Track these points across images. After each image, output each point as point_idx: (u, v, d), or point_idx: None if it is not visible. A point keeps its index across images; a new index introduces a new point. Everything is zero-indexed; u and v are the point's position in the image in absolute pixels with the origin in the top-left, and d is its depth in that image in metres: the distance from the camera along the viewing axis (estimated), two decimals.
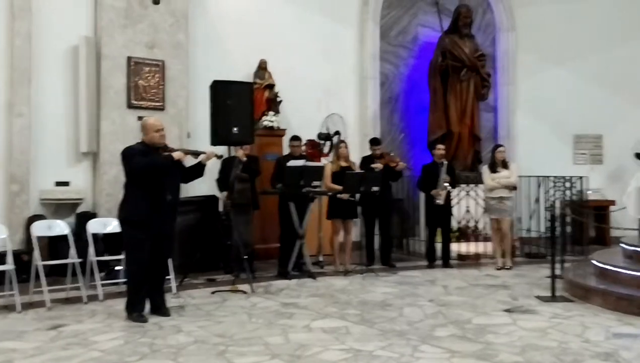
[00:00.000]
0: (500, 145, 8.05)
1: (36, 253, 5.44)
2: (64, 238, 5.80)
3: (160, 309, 5.04)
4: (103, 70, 7.33)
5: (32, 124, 7.11)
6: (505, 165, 7.67)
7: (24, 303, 5.23)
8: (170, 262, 5.90)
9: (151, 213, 4.83)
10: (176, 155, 4.91)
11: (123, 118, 7.42)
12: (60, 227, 5.84)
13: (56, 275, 6.02)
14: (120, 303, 5.13)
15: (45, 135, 7.22)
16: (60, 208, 7.26)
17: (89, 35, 7.38)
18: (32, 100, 7.10)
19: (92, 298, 5.56)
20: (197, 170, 5.29)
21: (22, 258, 6.24)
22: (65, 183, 7.33)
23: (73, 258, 5.61)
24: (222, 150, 6.34)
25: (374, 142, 7.97)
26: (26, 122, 7.07)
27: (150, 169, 4.85)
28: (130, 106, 7.45)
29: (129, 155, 4.90)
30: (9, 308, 5.18)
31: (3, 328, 4.63)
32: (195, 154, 5.28)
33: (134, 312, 4.87)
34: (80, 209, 7.34)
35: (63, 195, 7.25)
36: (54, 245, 6.54)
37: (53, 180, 7.27)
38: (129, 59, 7.43)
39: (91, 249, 5.72)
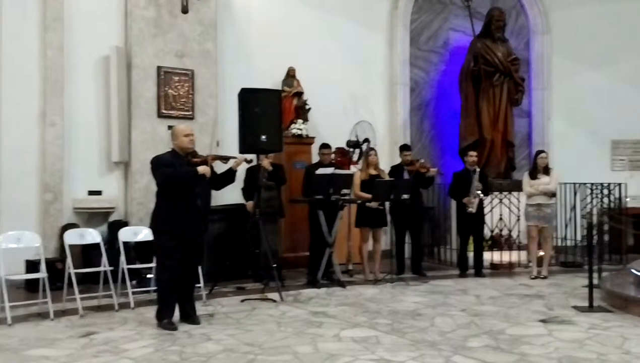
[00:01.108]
0: (542, 151, 7.83)
1: (69, 261, 5.51)
2: (96, 246, 5.87)
3: (191, 317, 5.04)
4: (133, 80, 7.43)
5: (64, 134, 7.25)
6: (546, 171, 7.46)
7: (57, 311, 5.29)
8: (200, 270, 5.95)
9: (182, 222, 4.83)
10: (201, 169, 4.86)
11: (153, 127, 7.50)
12: (92, 235, 5.90)
13: (89, 283, 6.10)
14: (151, 311, 5.14)
15: (78, 145, 7.35)
16: (93, 217, 7.37)
17: (120, 45, 7.50)
18: (64, 110, 7.24)
19: (124, 305, 5.59)
20: (228, 177, 5.29)
21: (57, 267, 6.34)
22: (98, 193, 7.44)
23: (105, 266, 5.67)
24: (252, 155, 6.37)
25: (404, 148, 7.87)
26: (59, 131, 7.20)
27: (174, 180, 4.87)
28: (160, 115, 7.52)
29: (156, 165, 4.94)
30: (43, 315, 5.24)
31: (36, 335, 4.67)
32: (225, 159, 5.26)
33: (164, 320, 4.87)
34: (112, 218, 7.43)
35: (96, 204, 7.35)
36: (87, 254, 6.64)
37: (86, 189, 7.38)
38: (159, 68, 7.52)
39: (122, 257, 5.77)
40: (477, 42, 9.22)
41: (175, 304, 4.97)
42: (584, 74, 10.12)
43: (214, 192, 7.73)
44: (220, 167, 5.43)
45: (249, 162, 5.52)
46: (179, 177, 4.87)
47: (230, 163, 5.25)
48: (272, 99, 6.53)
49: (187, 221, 4.85)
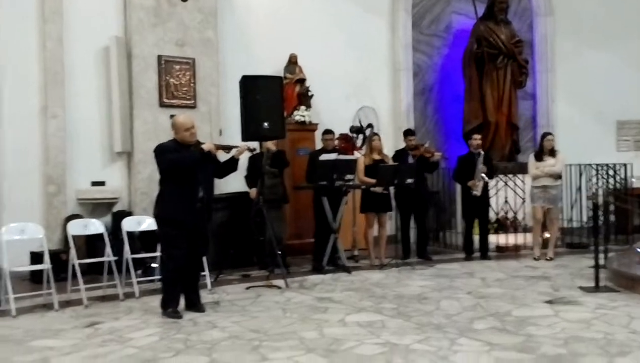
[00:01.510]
0: (549, 133, 7.78)
1: (72, 252, 5.50)
2: (100, 237, 5.86)
3: (195, 305, 5.04)
4: (134, 70, 7.39)
5: (66, 126, 7.22)
6: (552, 153, 7.41)
7: (61, 302, 5.28)
8: (204, 258, 5.94)
9: (185, 210, 4.82)
10: (206, 146, 4.87)
11: (155, 117, 7.47)
12: (96, 225, 5.89)
13: (95, 273, 6.09)
14: (156, 300, 5.14)
15: (80, 136, 7.32)
16: (96, 208, 7.36)
17: (119, 35, 7.45)
18: (65, 101, 7.20)
19: (129, 295, 5.59)
20: (231, 165, 5.26)
21: (61, 258, 6.32)
22: (101, 183, 7.43)
23: (109, 256, 5.66)
24: (254, 144, 6.34)
25: (408, 132, 7.83)
26: (61, 123, 7.18)
27: (181, 164, 4.84)
28: (162, 105, 7.48)
29: (160, 152, 4.90)
30: (48, 306, 5.24)
31: (41, 326, 4.67)
32: (228, 148, 5.25)
33: (169, 308, 4.87)
34: (116, 208, 7.43)
35: (99, 194, 7.35)
36: (91, 244, 6.64)
37: (89, 180, 7.37)
38: (160, 57, 7.47)
39: (126, 247, 5.76)
40: (480, 24, 9.13)
41: (180, 293, 4.97)
42: (588, 55, 10.00)
43: (217, 180, 7.76)
44: (223, 157, 5.40)
45: (251, 150, 5.48)
46: (185, 161, 4.84)
47: (233, 152, 5.21)
48: (273, 85, 6.48)
49: (190, 210, 4.83)
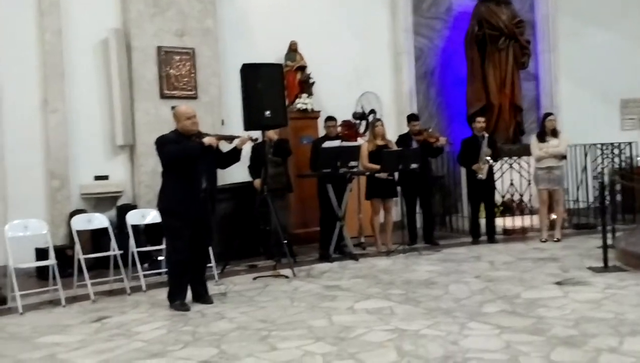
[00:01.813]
0: (550, 114, 7.70)
1: (77, 247, 5.47)
2: (105, 231, 5.84)
3: (203, 297, 5.02)
4: (134, 62, 7.34)
5: (67, 120, 7.19)
6: (555, 134, 7.34)
7: (68, 297, 5.27)
8: (210, 249, 5.92)
9: (188, 202, 4.79)
10: (207, 140, 4.82)
11: (157, 109, 7.42)
12: (100, 220, 5.87)
13: (101, 268, 6.09)
14: (163, 293, 5.12)
15: (82, 130, 7.29)
16: (100, 202, 7.34)
17: (118, 27, 7.39)
18: (66, 95, 7.17)
19: (136, 289, 5.58)
20: (233, 155, 5.22)
21: (67, 253, 6.29)
22: (105, 177, 7.40)
23: (114, 250, 5.64)
24: (257, 134, 6.29)
25: (412, 118, 7.76)
26: (61, 117, 7.15)
27: (181, 156, 4.81)
28: (163, 96, 7.44)
29: (161, 144, 4.87)
30: (54, 302, 5.23)
31: (48, 322, 4.66)
32: (230, 138, 5.19)
33: (176, 301, 4.85)
34: (120, 202, 7.41)
35: (103, 188, 7.33)
36: (97, 239, 6.62)
37: (92, 175, 7.35)
38: (159, 48, 7.41)
39: (131, 240, 5.74)
40: (481, 6, 9.03)
41: (187, 285, 4.95)
42: (591, 33, 9.88)
43: (220, 171, 7.71)
44: (225, 147, 5.35)
45: (254, 140, 5.42)
46: (186, 152, 4.81)
47: (235, 142, 5.16)
48: (274, 73, 6.42)
49: (193, 201, 4.81)
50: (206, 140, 4.81)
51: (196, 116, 4.98)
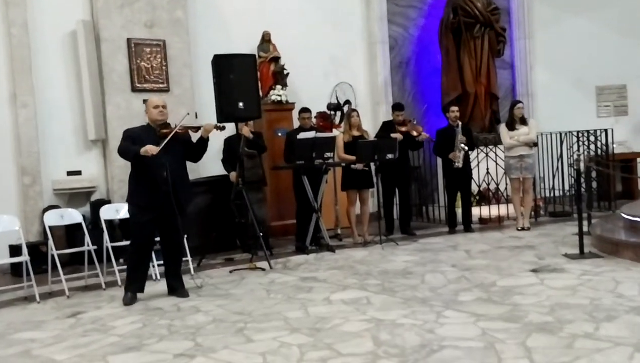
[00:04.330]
0: (519, 101, 7.77)
1: (50, 243, 5.40)
2: (79, 226, 5.80)
3: (177, 290, 4.99)
4: (103, 54, 7.19)
5: (37, 114, 7.04)
6: (524, 121, 7.40)
7: (43, 294, 5.21)
8: (185, 243, 5.85)
9: (149, 195, 4.77)
10: (142, 150, 4.63)
11: (128, 102, 7.29)
12: (72, 215, 5.80)
13: (77, 264, 6.03)
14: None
15: (52, 125, 7.15)
16: (74, 198, 7.23)
17: (86, 19, 7.22)
18: (35, 89, 7.01)
19: (111, 284, 5.52)
20: (201, 146, 5.10)
21: (41, 249, 6.22)
22: (77, 173, 7.28)
23: (88, 245, 5.57)
24: (229, 125, 6.15)
25: (396, 107, 7.71)
26: (31, 112, 6.99)
27: (123, 155, 4.86)
28: (134, 89, 7.30)
29: (122, 137, 4.91)
30: (29, 299, 5.16)
31: (22, 319, 4.59)
32: (195, 128, 5.07)
33: (127, 293, 4.88)
34: (94, 197, 7.30)
35: (76, 184, 7.21)
36: (71, 235, 6.58)
37: (64, 170, 7.21)
38: (129, 40, 7.26)
39: (105, 236, 5.66)
40: None
41: (142, 277, 4.95)
42: (566, 20, 9.95)
43: (196, 164, 7.59)
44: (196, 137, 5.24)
45: (221, 128, 5.27)
46: (125, 154, 4.82)
47: (200, 132, 5.04)
48: (247, 64, 6.33)
49: (154, 194, 4.75)
50: (142, 150, 4.67)
51: (165, 106, 4.93)
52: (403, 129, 7.41)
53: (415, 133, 7.41)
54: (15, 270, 6.04)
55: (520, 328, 3.57)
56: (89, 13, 7.28)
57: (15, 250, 6.03)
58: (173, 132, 4.80)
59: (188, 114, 5.35)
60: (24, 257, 5.22)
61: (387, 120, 7.83)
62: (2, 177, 6.86)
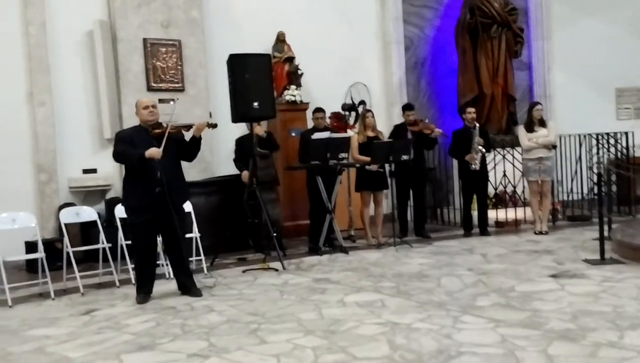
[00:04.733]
0: (537, 103, 7.65)
1: (66, 240, 5.43)
2: (94, 224, 5.81)
3: (190, 290, 4.97)
4: (120, 54, 7.22)
5: (54, 113, 7.11)
6: (543, 123, 7.28)
7: (58, 290, 5.24)
8: (199, 242, 5.83)
9: (143, 196, 4.74)
10: (147, 153, 4.64)
11: None
12: (88, 213, 5.81)
13: (91, 261, 6.06)
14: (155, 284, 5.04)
15: (69, 123, 7.20)
16: (89, 196, 7.28)
17: (103, 19, 7.26)
18: (52, 88, 7.08)
19: (125, 282, 5.52)
20: (194, 145, 5.03)
21: (56, 246, 6.26)
22: (93, 171, 7.33)
23: (103, 243, 5.59)
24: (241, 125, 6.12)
25: (407, 107, 7.63)
26: (49, 111, 7.06)
27: (120, 160, 4.87)
28: (150, 89, 7.32)
29: (115, 141, 4.88)
30: (44, 295, 5.18)
31: (37, 315, 4.61)
32: (187, 127, 5.00)
33: (139, 294, 4.87)
34: (109, 195, 7.33)
35: (91, 182, 7.26)
36: (86, 232, 6.60)
37: (80, 168, 7.26)
38: (145, 40, 7.29)
39: (120, 234, 5.68)
40: None
41: (150, 279, 4.94)
42: (586, 21, 9.81)
43: (209, 164, 7.59)
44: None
45: (213, 126, 5.15)
46: (124, 158, 4.81)
47: (192, 131, 4.98)
48: (262, 63, 6.29)
49: (148, 195, 4.70)
50: (147, 153, 4.65)
51: (155, 106, 4.91)
52: (415, 128, 7.33)
53: (428, 131, 7.33)
54: (31, 267, 6.07)
55: (541, 336, 3.48)
56: (106, 13, 7.32)
57: (31, 246, 6.09)
58: (167, 131, 4.74)
59: (173, 101, 5.30)
60: (40, 254, 5.25)
61: (398, 123, 7.76)
62: (20, 174, 6.92)
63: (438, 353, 3.27)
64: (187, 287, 4.98)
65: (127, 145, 4.75)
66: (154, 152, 4.65)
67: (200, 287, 5.05)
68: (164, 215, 4.78)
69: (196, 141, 5.01)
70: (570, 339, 3.40)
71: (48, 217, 6.96)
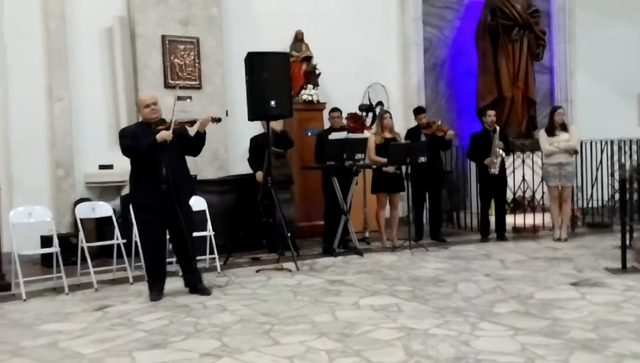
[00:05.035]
0: (559, 107, 7.53)
1: (81, 235, 5.43)
2: (109, 220, 5.79)
3: (197, 288, 4.92)
4: (138, 50, 7.22)
5: (72, 108, 7.12)
6: (564, 128, 7.15)
7: (72, 285, 5.23)
8: (213, 240, 5.79)
9: (149, 194, 4.71)
10: (159, 136, 4.63)
11: (161, 98, 7.10)
12: (104, 208, 5.81)
13: (105, 256, 6.05)
14: (166, 283, 4.99)
15: (86, 119, 7.21)
16: (105, 191, 7.28)
17: (123, 15, 7.27)
18: (70, 83, 7.09)
19: (138, 278, 5.48)
20: (199, 140, 4.98)
21: (71, 241, 6.27)
22: (109, 167, 7.32)
23: (117, 239, 5.58)
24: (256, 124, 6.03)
25: (418, 110, 7.56)
26: (66, 106, 7.07)
27: (131, 151, 4.77)
28: (167, 86, 7.31)
29: (120, 137, 4.86)
30: (58, 290, 5.19)
31: (50, 310, 4.61)
32: (191, 122, 4.98)
33: (152, 292, 4.84)
34: (124, 191, 7.29)
35: (107, 178, 7.25)
36: (101, 228, 6.60)
37: (97, 164, 7.27)
38: (163, 37, 7.29)
39: (135, 230, 5.63)
40: None
41: (161, 278, 4.90)
42: (609, 25, 9.65)
43: (224, 162, 7.55)
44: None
45: (217, 121, 5.08)
46: (135, 149, 4.73)
47: (196, 126, 4.93)
48: (280, 62, 6.24)
49: (154, 192, 4.67)
50: (158, 136, 4.63)
51: (156, 103, 4.86)
52: (428, 131, 7.25)
53: (441, 133, 7.25)
54: (46, 261, 6.08)
55: (562, 345, 3.38)
56: (125, 9, 7.33)
57: (46, 241, 6.05)
58: (171, 127, 4.70)
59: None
60: (55, 248, 5.26)
61: (411, 127, 7.68)
62: (37, 169, 6.95)
63: (456, 361, 3.19)
64: (194, 285, 4.94)
65: (133, 140, 4.74)
66: (165, 134, 4.62)
67: (210, 286, 5.01)
68: (170, 212, 4.74)
69: (201, 136, 4.96)
70: (593, 349, 3.30)
71: (64, 212, 6.98)
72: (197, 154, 5.16)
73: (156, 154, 4.63)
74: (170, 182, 4.67)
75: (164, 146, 4.65)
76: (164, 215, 4.77)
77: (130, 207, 5.14)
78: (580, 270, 5.42)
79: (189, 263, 4.98)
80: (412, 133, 7.43)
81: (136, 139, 4.71)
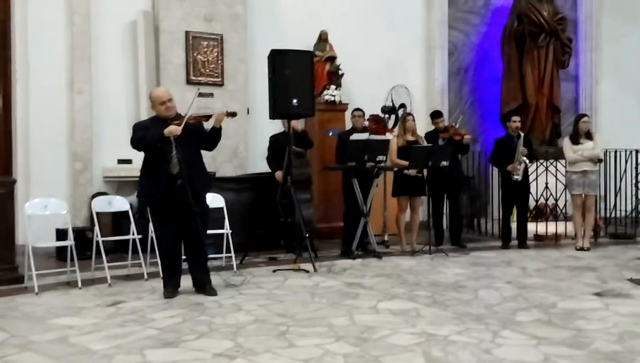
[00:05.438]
0: (585, 115, 7.39)
1: (97, 229, 5.38)
2: (125, 214, 5.76)
3: (204, 288, 4.81)
4: (161, 45, 7.23)
5: (93, 102, 7.14)
6: (589, 136, 7.01)
7: (86, 280, 5.18)
8: (230, 238, 5.74)
9: (161, 190, 4.63)
10: (166, 131, 4.54)
11: (182, 95, 7.20)
12: (120, 203, 5.77)
13: (120, 252, 6.01)
14: (181, 281, 4.94)
15: (107, 113, 7.23)
16: (122, 186, 7.27)
17: (147, 10, 7.28)
18: (92, 77, 7.11)
19: (153, 275, 5.44)
20: (214, 135, 4.89)
21: (86, 235, 6.25)
22: (128, 161, 7.29)
23: (133, 234, 5.53)
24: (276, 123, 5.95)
25: (435, 115, 7.47)
26: (87, 99, 7.09)
27: (139, 144, 4.67)
28: (189, 82, 7.32)
29: (133, 131, 4.76)
30: (71, 284, 5.15)
31: (63, 304, 4.56)
32: (206, 117, 4.89)
33: (166, 289, 4.79)
34: None
35: (125, 172, 7.23)
36: (117, 222, 6.58)
37: (115, 158, 7.26)
38: (187, 33, 7.29)
39: (151, 226, 5.55)
40: (521, 0, 8.68)
41: (176, 275, 4.83)
42: (635, 34, 9.48)
43: (243, 161, 7.51)
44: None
45: (232, 115, 4.98)
46: (142, 141, 4.65)
47: (211, 121, 4.84)
48: (303, 60, 6.18)
49: (166, 189, 4.61)
50: (166, 130, 4.54)
51: (171, 99, 4.76)
52: (446, 135, 7.15)
53: (458, 137, 7.15)
54: (60, 254, 6.07)
55: (586, 356, 3.27)
56: (149, 4, 7.34)
57: (61, 234, 6.05)
58: (185, 121, 4.61)
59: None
60: (70, 242, 5.21)
61: (428, 131, 7.58)
62: (55, 161, 6.96)
63: None
64: (201, 285, 4.83)
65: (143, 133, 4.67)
66: (173, 128, 4.53)
67: (225, 285, 4.94)
68: (182, 208, 4.66)
69: (216, 131, 4.86)
70: (618, 362, 3.18)
71: (80, 205, 6.98)
72: (212, 149, 5.09)
73: (169, 148, 4.55)
74: (185, 176, 4.60)
75: (178, 141, 4.57)
76: (177, 211, 4.68)
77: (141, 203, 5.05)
78: (603, 280, 5.29)
79: (200, 263, 4.88)
80: (429, 137, 7.34)
81: (147, 133, 4.66)
